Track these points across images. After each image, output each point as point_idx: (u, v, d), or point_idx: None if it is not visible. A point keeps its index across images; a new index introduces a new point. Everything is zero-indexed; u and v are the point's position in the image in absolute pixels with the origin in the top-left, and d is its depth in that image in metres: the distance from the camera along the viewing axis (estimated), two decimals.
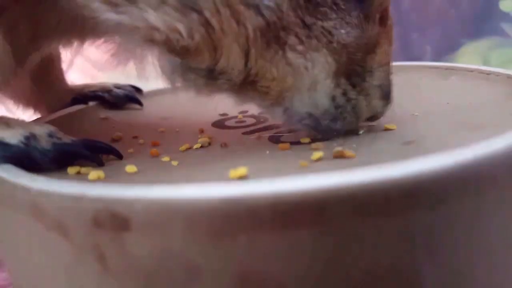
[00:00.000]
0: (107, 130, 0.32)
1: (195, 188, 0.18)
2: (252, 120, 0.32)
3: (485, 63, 0.66)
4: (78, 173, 0.24)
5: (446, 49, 0.69)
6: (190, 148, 0.28)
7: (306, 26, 0.24)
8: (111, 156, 0.27)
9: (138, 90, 0.40)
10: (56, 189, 0.20)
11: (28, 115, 0.39)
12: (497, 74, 0.32)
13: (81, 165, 0.24)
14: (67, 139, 0.25)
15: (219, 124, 0.33)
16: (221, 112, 0.35)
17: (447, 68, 0.36)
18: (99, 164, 0.25)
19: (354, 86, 0.25)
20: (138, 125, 0.33)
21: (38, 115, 0.39)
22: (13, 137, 0.24)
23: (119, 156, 0.26)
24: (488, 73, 0.33)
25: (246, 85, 0.25)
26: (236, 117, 0.33)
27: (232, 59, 0.24)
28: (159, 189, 0.18)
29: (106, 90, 0.38)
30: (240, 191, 0.18)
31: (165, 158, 0.26)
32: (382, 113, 0.27)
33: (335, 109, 0.25)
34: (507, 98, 0.29)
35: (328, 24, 0.24)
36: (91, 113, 0.36)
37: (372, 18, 0.25)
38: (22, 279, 0.24)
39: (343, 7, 0.24)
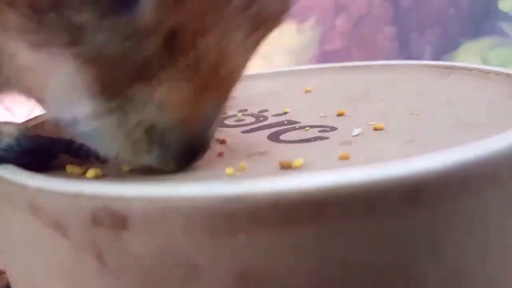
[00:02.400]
0: None
1: (194, 186, 0.18)
2: (252, 119, 0.32)
3: (484, 62, 0.66)
4: (72, 172, 0.23)
5: (445, 48, 0.69)
6: None
7: (38, 10, 0.18)
8: None
9: None
10: (54, 187, 0.20)
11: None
12: (497, 73, 0.32)
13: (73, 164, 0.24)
14: (39, 136, 0.24)
15: (218, 122, 0.32)
16: None
17: (446, 67, 0.36)
18: (83, 158, 0.22)
19: (119, 109, 0.20)
20: None
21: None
22: None
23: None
24: (488, 72, 0.33)
25: None
26: (235, 115, 0.33)
27: None
28: (157, 187, 0.18)
29: None
30: (239, 189, 0.18)
31: None
32: (148, 162, 0.21)
33: (92, 129, 0.20)
34: (507, 97, 0.29)
35: (74, 19, 0.18)
36: None
37: (151, 35, 0.19)
38: (20, 276, 0.24)
39: (100, 5, 0.18)
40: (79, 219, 0.19)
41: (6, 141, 0.23)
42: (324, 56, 0.72)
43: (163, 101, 0.20)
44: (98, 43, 0.19)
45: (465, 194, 0.19)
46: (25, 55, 0.19)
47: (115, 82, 0.19)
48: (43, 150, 0.23)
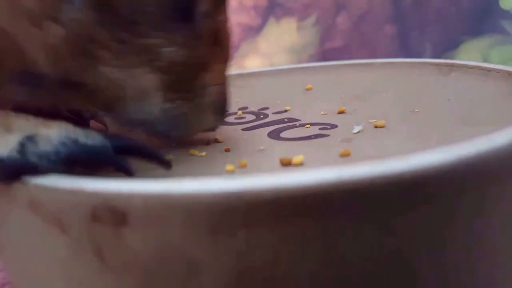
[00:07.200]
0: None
1: (194, 182, 0.18)
2: (252, 117, 0.32)
3: (485, 61, 0.66)
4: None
5: (446, 47, 0.69)
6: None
7: (121, 41, 0.23)
8: None
9: None
10: (54, 183, 0.20)
11: None
12: (498, 71, 0.32)
13: None
14: (86, 138, 0.21)
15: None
16: None
17: (447, 65, 0.36)
18: (129, 174, 0.21)
19: (186, 100, 0.26)
20: None
21: None
22: (6, 147, 0.21)
23: (167, 166, 0.22)
24: (489, 70, 0.33)
25: (70, 92, 0.24)
26: (235, 113, 0.33)
27: (41, 65, 0.23)
28: (157, 183, 0.18)
29: None
30: (240, 185, 0.18)
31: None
32: (215, 126, 0.28)
33: (168, 120, 0.25)
34: (508, 94, 0.29)
35: (148, 42, 0.23)
36: None
37: (203, 38, 0.25)
38: (19, 273, 0.24)
39: (165, 26, 0.23)
40: (79, 216, 0.19)
41: (45, 147, 0.21)
42: (325, 55, 0.72)
43: (217, 77, 0.27)
44: (168, 56, 0.24)
45: (467, 191, 0.19)
46: (111, 75, 0.24)
47: (183, 78, 0.25)
48: (86, 159, 0.21)
